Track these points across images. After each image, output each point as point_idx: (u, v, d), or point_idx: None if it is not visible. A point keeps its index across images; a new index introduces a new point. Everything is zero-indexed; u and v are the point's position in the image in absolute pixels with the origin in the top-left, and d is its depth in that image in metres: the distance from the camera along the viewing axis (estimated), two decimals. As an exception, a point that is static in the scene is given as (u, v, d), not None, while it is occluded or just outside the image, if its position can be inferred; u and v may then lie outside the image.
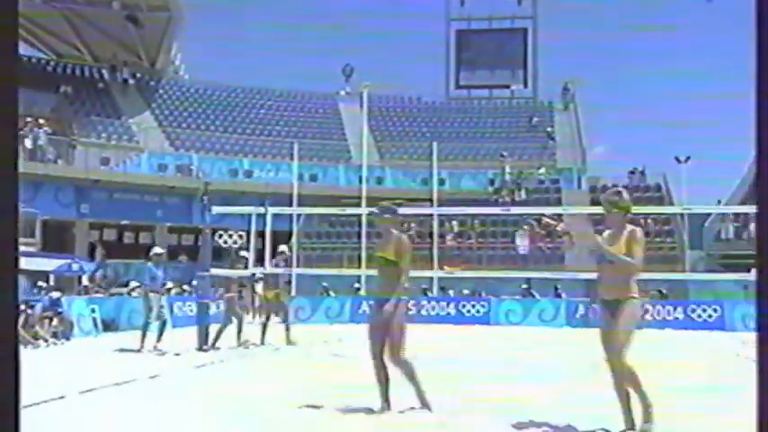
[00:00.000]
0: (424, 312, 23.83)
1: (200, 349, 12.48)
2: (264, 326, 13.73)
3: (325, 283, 26.85)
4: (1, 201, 1.38)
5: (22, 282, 20.86)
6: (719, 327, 22.50)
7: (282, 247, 15.52)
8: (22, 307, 14.07)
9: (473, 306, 24.45)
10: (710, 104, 76.22)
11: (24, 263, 23.10)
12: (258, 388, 8.33)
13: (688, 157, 31.31)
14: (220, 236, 13.24)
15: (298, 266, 29.59)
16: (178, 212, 32.05)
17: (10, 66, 1.37)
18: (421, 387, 6.44)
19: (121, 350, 12.96)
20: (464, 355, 13.50)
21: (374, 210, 7.11)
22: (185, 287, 24.50)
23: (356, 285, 27.50)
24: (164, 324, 12.92)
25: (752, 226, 30.59)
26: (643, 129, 79.01)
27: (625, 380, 5.67)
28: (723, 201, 36.11)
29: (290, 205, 30.76)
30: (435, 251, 30.02)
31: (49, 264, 23.91)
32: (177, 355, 12.02)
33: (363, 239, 29.95)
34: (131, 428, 5.81)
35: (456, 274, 26.04)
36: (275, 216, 33.03)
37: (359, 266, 29.56)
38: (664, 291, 24.43)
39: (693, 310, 23.62)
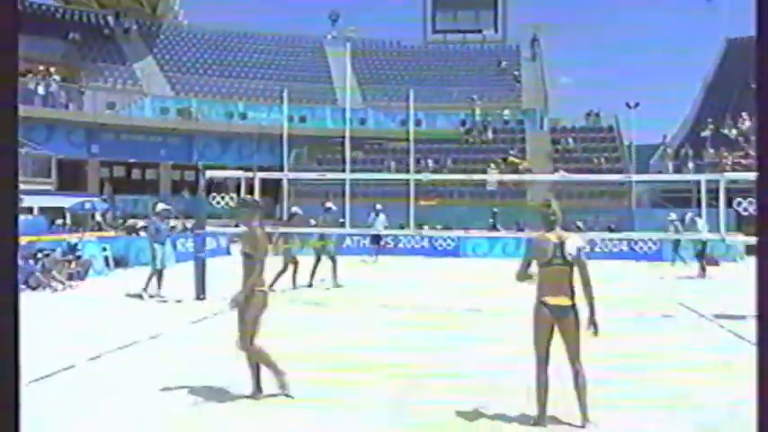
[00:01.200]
0: (401, 246, 24.12)
1: (197, 299, 12.74)
2: (313, 270, 15.11)
3: (312, 221, 26.58)
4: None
5: (42, 220, 20.95)
6: (658, 258, 23.06)
7: (329, 204, 16.79)
8: (39, 255, 14.27)
9: (444, 240, 24.75)
10: (659, 55, 74.92)
11: (42, 201, 23.15)
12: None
13: (637, 103, 31.36)
14: (214, 197, 13.15)
15: (289, 200, 29.90)
16: (180, 151, 31.98)
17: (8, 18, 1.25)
18: (279, 370, 6.11)
19: (127, 295, 13.10)
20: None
21: (231, 204, 6.91)
22: (188, 224, 24.50)
23: (341, 220, 27.56)
24: (160, 273, 13.11)
25: (689, 163, 30.96)
26: (600, 72, 77.84)
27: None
28: (668, 136, 36.39)
29: (281, 145, 30.71)
30: (412, 187, 30.21)
31: (64, 201, 23.97)
32: (179, 302, 12.30)
33: (347, 175, 30.05)
34: (135, 401, 6.00)
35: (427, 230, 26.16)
36: (269, 153, 33.22)
37: (342, 200, 29.83)
38: (612, 226, 24.70)
39: (636, 243, 24.10)
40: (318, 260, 15.30)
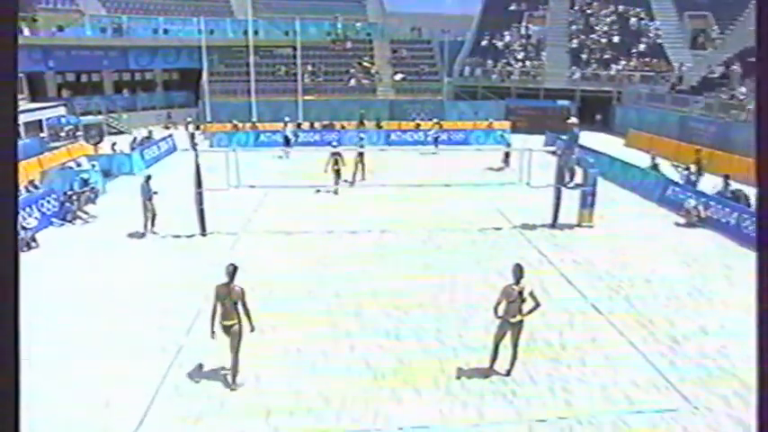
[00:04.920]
0: (300, 140, 23.67)
1: (202, 234, 12.30)
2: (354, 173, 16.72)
3: (234, 120, 25.93)
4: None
5: (36, 142, 19.07)
6: (465, 142, 24.71)
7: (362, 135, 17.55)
8: (73, 197, 13.51)
9: (330, 134, 25.15)
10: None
11: (23, 117, 20.83)
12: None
13: (449, 30, 32.24)
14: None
15: (210, 97, 28.70)
16: (118, 61, 28.63)
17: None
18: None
19: (143, 235, 12.39)
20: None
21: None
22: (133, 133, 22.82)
23: (253, 119, 27.06)
24: (154, 216, 12.44)
25: (478, 70, 32.52)
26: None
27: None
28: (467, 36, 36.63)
29: (200, 54, 28.56)
30: (300, 86, 29.90)
31: (41, 114, 21.66)
32: (190, 237, 12.12)
33: (252, 77, 29.02)
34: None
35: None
36: (188, 59, 30.74)
37: (249, 97, 29.03)
38: (440, 122, 25.64)
39: (453, 134, 25.11)
40: (356, 167, 16.78)
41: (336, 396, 6.57)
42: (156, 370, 7.06)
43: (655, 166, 16.20)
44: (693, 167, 15.34)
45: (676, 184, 14.72)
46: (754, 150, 0.95)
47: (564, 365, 7.30)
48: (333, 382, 6.84)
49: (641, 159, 18.03)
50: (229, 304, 6.58)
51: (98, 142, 19.70)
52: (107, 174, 17.32)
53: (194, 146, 15.49)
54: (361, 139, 18.31)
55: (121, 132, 25.43)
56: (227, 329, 6.66)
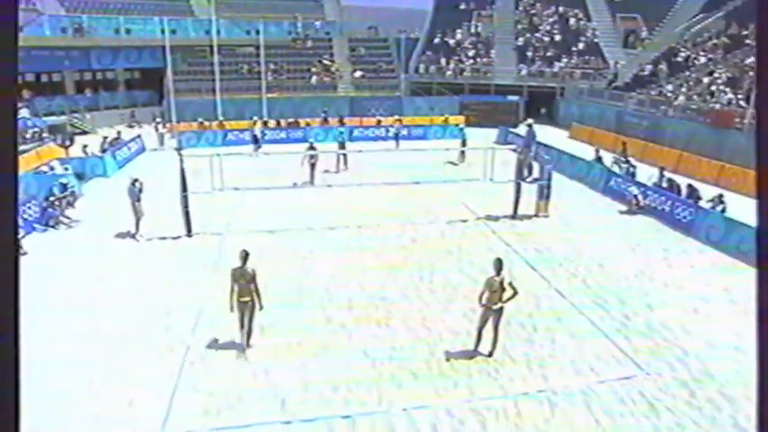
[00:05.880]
0: (267, 138, 23.31)
1: (188, 235, 12.11)
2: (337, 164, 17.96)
3: (200, 119, 25.43)
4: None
5: None
6: (424, 137, 24.88)
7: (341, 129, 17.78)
8: (56, 202, 13.13)
9: (296, 132, 25.15)
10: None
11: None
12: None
13: (406, 30, 32.44)
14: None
15: (175, 95, 27.83)
16: (80, 61, 27.27)
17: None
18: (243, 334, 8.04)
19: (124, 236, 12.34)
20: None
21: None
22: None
23: (220, 118, 26.53)
24: (138, 220, 12.16)
25: (432, 67, 32.94)
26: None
27: None
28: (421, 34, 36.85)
29: (164, 53, 27.55)
30: (264, 84, 29.45)
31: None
32: (176, 238, 11.97)
33: (217, 75, 28.35)
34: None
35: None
36: (150, 58, 29.75)
37: (213, 95, 28.31)
38: (400, 118, 26.10)
39: (412, 129, 25.60)
40: (338, 159, 17.89)
41: (342, 383, 6.96)
42: (170, 369, 7.22)
43: (599, 159, 17.24)
44: (620, 156, 16.51)
45: (618, 175, 15.78)
46: (755, 162, 0.90)
47: (537, 345, 7.95)
48: (336, 371, 7.21)
49: (584, 150, 19.11)
50: (243, 284, 7.33)
51: (69, 145, 18.85)
52: (80, 177, 16.62)
53: (179, 150, 15.19)
54: (341, 133, 18.80)
55: (86, 132, 24.50)
56: (243, 305, 7.42)
